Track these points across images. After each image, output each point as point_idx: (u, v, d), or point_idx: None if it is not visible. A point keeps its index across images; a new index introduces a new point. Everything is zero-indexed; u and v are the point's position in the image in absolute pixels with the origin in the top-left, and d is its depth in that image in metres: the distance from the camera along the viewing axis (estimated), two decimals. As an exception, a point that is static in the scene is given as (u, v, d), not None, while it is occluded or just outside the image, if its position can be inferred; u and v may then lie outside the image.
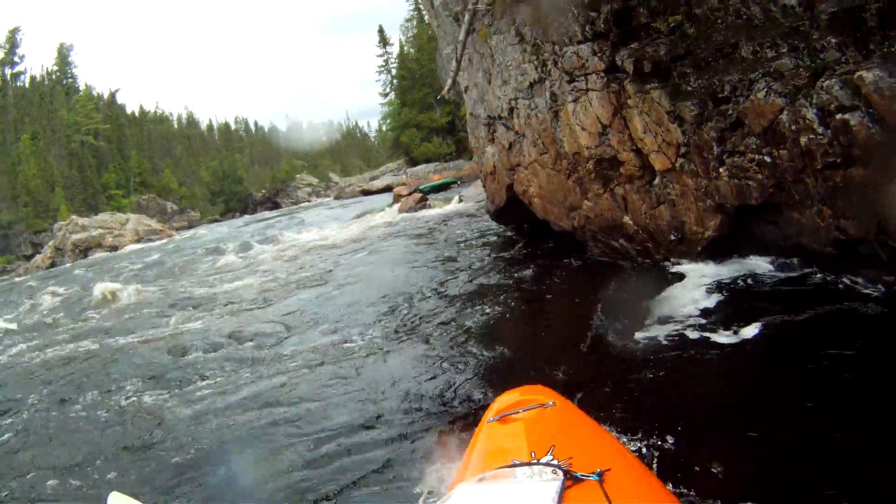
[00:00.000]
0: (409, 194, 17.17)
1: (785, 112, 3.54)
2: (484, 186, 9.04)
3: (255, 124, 75.56)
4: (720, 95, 4.05)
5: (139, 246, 26.99)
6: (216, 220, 43.44)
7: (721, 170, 4.16)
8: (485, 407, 2.33)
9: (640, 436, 2.58)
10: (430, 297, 6.25)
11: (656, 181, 4.95)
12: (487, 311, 5.22)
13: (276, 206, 47.50)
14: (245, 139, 68.89)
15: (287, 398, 4.04)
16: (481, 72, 7.68)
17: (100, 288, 10.63)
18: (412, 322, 5.39)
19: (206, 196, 49.86)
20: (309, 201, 44.53)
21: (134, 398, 4.60)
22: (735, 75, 3.95)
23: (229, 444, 3.53)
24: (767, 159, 3.79)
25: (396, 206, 17.33)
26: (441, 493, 1.72)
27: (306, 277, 9.11)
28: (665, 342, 3.65)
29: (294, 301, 7.51)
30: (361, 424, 3.39)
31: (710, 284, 4.37)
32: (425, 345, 4.68)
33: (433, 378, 3.90)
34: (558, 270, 6.25)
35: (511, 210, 8.08)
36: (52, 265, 27.27)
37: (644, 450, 2.49)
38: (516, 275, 6.42)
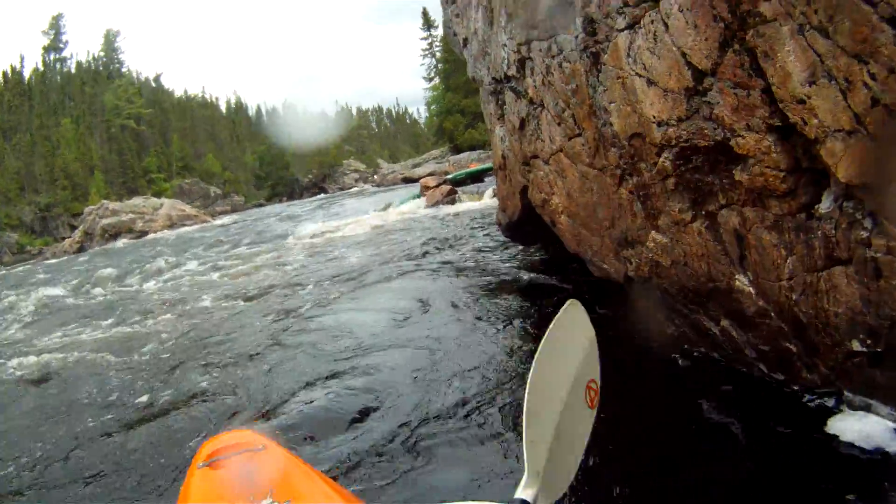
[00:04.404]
0: (437, 186, 14.51)
1: None
2: (496, 186, 6.17)
3: (304, 110, 74.77)
4: None
5: (170, 232, 26.15)
6: (261, 205, 42.85)
7: None
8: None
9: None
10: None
11: (826, 206, 1.99)
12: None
13: (323, 190, 46.57)
14: (294, 125, 67.84)
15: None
16: (481, 9, 4.81)
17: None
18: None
19: (251, 181, 49.42)
20: (355, 187, 42.99)
21: None
22: None
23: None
24: None
25: (424, 199, 15.10)
26: None
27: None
28: None
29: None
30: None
31: None
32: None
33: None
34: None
35: (530, 225, 5.19)
36: (81, 249, 26.75)
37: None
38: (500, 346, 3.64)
